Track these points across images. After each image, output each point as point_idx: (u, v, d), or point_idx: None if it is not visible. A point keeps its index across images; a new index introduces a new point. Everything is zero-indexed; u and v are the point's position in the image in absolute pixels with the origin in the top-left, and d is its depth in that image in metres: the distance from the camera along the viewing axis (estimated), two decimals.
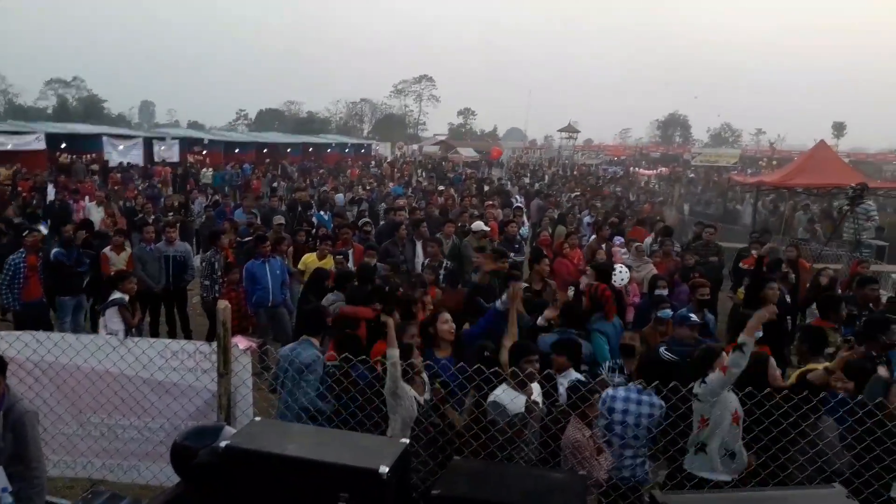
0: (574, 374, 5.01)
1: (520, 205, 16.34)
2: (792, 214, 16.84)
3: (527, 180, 29.02)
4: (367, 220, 11.32)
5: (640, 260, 9.41)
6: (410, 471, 2.90)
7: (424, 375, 4.63)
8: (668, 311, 6.40)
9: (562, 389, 4.85)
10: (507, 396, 4.31)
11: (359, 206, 15.65)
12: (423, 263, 8.98)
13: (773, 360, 4.95)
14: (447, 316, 5.47)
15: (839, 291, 8.30)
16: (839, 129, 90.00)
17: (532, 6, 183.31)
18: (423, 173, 32.25)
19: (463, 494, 2.54)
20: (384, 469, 2.50)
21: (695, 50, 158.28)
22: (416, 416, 4.34)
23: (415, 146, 65.80)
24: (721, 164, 48.71)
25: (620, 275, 7.83)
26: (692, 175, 38.53)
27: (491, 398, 4.32)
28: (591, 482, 4.15)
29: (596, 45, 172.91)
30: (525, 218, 14.36)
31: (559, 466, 4.26)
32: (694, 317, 6.03)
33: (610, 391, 4.57)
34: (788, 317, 8.26)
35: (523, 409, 4.27)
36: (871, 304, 7.29)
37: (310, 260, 8.85)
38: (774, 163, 44.89)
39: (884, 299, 8.02)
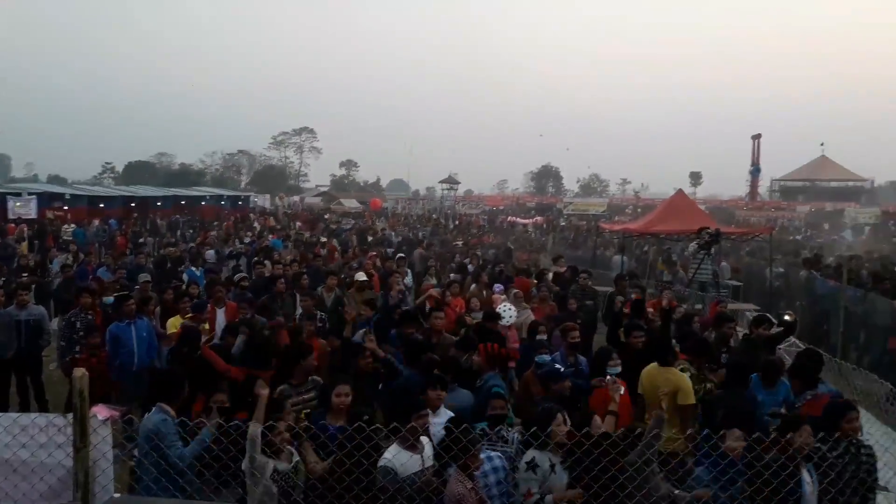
0: (448, 413, 5.01)
1: (402, 255, 16.40)
2: (656, 259, 18.01)
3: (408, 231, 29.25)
4: (243, 274, 10.96)
5: (518, 306, 9.65)
6: None
7: (292, 448, 4.51)
8: (546, 357, 6.54)
9: (435, 429, 4.78)
10: (398, 459, 4.24)
11: (236, 261, 15.13)
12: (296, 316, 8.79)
13: (596, 419, 4.89)
14: (345, 389, 5.29)
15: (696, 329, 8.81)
16: (696, 178, 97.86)
17: (411, 60, 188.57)
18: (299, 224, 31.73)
19: None
20: None
21: (567, 103, 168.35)
22: (275, 492, 4.18)
23: (296, 197, 64.93)
24: (591, 212, 51.58)
25: (508, 313, 7.99)
26: (563, 223, 40.45)
27: (381, 462, 4.22)
28: None
29: (474, 97, 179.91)
30: (408, 268, 14.41)
31: None
32: (560, 368, 6.16)
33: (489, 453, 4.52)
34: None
35: (416, 470, 4.23)
36: (729, 341, 7.84)
37: (176, 323, 8.38)
38: (639, 210, 48.05)
39: (740, 335, 8.66)
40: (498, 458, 4.56)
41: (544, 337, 7.62)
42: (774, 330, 7.89)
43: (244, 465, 4.20)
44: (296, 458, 4.48)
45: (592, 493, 4.07)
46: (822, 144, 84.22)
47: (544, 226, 38.67)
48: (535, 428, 4.31)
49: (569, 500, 4.22)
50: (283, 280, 9.68)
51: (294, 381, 5.80)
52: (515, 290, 10.26)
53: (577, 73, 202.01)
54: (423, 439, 4.44)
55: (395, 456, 4.25)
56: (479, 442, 4.32)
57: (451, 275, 12.44)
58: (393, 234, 26.52)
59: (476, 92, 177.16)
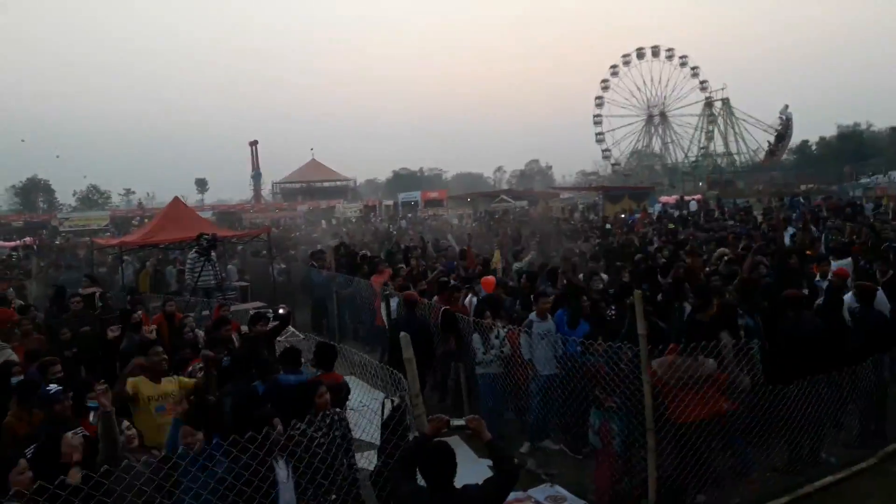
0: None
1: None
2: (162, 269, 17.45)
3: None
4: None
5: None
6: None
7: None
8: None
9: None
10: None
11: None
12: None
13: None
14: None
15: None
16: (202, 185, 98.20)
17: None
18: None
19: None
20: None
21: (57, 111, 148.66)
22: None
23: None
24: (92, 226, 47.06)
25: None
26: (58, 241, 36.03)
27: None
28: None
29: None
30: None
31: None
32: None
33: None
34: None
35: None
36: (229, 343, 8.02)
37: None
38: (146, 221, 45.75)
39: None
40: None
41: None
42: (272, 325, 8.39)
43: None
44: None
45: None
46: (311, 149, 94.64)
47: (35, 246, 33.67)
48: None
49: None
50: None
51: None
52: None
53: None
54: None
55: None
56: None
57: None
58: None
59: None
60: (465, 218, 41.60)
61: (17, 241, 38.82)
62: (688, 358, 5.78)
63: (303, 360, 7.06)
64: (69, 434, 4.59)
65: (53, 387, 5.63)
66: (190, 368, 6.70)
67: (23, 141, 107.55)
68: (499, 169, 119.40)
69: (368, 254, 16.64)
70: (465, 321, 8.68)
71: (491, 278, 10.84)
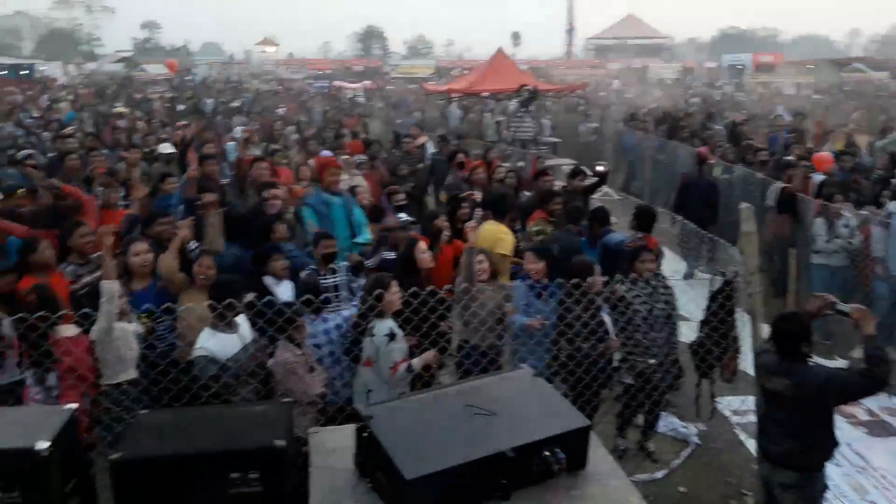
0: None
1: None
2: (480, 118, 18.27)
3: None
4: (30, 152, 9.57)
5: (349, 173, 9.37)
6: (80, 439, 2.49)
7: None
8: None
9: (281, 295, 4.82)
10: (214, 343, 4.00)
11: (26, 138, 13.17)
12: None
13: (422, 244, 5.23)
14: (141, 246, 4.92)
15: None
16: (516, 38, 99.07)
17: None
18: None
19: (147, 453, 2.23)
20: (43, 445, 2.09)
21: None
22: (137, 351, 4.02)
23: (92, 64, 57.50)
24: (418, 75, 50.78)
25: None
26: (391, 87, 39.55)
27: (195, 352, 3.96)
28: (307, 400, 4.10)
29: None
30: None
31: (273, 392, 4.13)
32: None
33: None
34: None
35: (237, 349, 4.05)
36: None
37: None
38: (465, 72, 48.03)
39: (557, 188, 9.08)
40: (335, 317, 4.68)
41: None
42: (588, 181, 8.34)
43: (94, 330, 3.82)
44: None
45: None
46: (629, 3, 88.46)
47: (374, 90, 37.55)
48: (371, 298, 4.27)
49: (427, 362, 4.35)
50: (76, 156, 8.56)
51: (76, 261, 5.19)
52: (347, 156, 9.92)
53: None
54: (240, 318, 4.21)
55: (209, 341, 4.00)
56: (302, 313, 4.21)
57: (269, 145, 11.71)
58: (209, 101, 24.43)
59: None
60: (802, 88, 36.15)
61: (359, 84, 43.83)
62: None
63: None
64: None
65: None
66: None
67: None
68: (853, 32, 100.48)
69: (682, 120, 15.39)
70: (805, 202, 7.75)
71: (825, 154, 9.43)
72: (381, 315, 4.27)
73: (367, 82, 44.49)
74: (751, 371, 4.47)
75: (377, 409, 2.32)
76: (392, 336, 4.22)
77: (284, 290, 5.04)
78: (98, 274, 4.52)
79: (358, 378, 4.39)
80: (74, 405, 2.41)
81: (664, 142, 13.10)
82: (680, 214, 8.90)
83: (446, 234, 6.02)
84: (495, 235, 6.11)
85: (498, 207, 6.41)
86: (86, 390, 3.79)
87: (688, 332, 5.70)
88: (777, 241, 8.15)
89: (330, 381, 4.44)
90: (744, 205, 4.92)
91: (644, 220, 6.48)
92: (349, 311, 4.78)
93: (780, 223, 8.12)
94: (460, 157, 9.63)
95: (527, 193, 8.25)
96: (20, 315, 3.45)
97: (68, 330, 3.91)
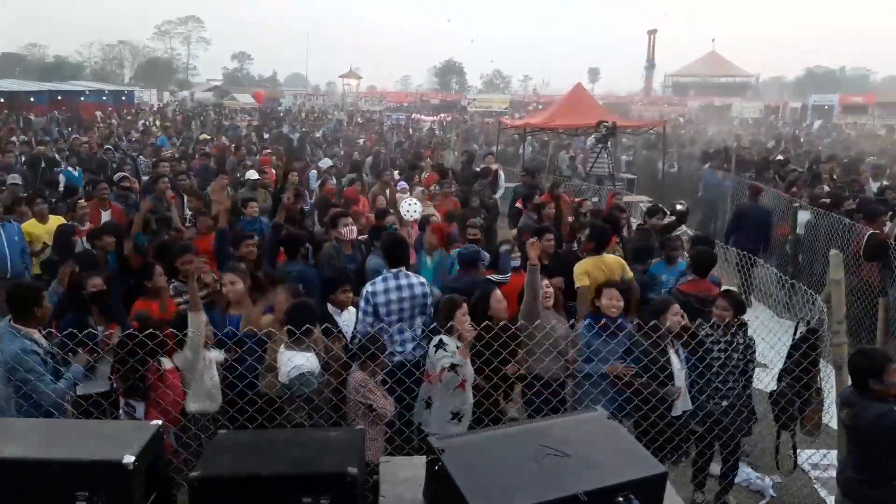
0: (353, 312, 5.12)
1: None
2: (556, 154, 18.21)
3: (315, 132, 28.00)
4: (125, 174, 10.15)
5: (422, 204, 9.50)
6: (163, 455, 2.58)
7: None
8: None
9: (346, 327, 4.93)
10: (302, 360, 4.07)
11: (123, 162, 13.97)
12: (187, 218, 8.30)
13: (497, 293, 4.92)
14: (230, 277, 5.10)
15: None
16: (594, 74, 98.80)
17: None
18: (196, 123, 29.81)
19: (225, 473, 2.29)
20: (129, 459, 2.18)
21: None
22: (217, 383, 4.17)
23: (185, 92, 60.78)
24: (494, 108, 51.30)
25: (412, 208, 7.77)
26: (467, 119, 40.07)
27: (289, 372, 4.01)
28: (383, 419, 4.15)
29: None
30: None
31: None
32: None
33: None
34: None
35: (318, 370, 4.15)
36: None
37: (36, 230, 7.45)
38: (540, 107, 48.17)
39: (634, 226, 8.95)
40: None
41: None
42: (667, 220, 8.18)
43: (179, 359, 4.03)
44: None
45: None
46: (713, 40, 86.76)
47: (448, 122, 38.16)
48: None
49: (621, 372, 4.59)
50: (165, 180, 9.01)
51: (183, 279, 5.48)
52: (421, 188, 10.08)
53: None
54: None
55: (296, 358, 4.07)
56: (385, 349, 4.30)
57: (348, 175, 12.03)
58: (291, 130, 25.37)
59: None
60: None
61: (435, 117, 44.62)
62: None
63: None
64: None
65: None
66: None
67: (448, 21, 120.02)
68: None
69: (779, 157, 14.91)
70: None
71: None
72: (450, 332, 4.31)
73: (444, 115, 45.24)
74: (834, 425, 4.26)
75: (449, 442, 2.32)
76: (440, 345, 4.27)
77: (348, 319, 5.10)
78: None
79: (421, 391, 4.49)
80: (159, 421, 2.50)
81: (748, 181, 12.69)
82: (730, 242, 8.83)
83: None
84: (620, 263, 6.12)
85: (603, 239, 6.32)
86: (172, 419, 3.97)
87: (766, 379, 5.46)
88: (866, 290, 7.75)
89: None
90: (833, 251, 4.72)
91: (702, 263, 6.19)
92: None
93: (870, 271, 7.72)
94: (537, 198, 9.55)
95: None
96: (124, 337, 3.70)
97: (169, 363, 4.09)
